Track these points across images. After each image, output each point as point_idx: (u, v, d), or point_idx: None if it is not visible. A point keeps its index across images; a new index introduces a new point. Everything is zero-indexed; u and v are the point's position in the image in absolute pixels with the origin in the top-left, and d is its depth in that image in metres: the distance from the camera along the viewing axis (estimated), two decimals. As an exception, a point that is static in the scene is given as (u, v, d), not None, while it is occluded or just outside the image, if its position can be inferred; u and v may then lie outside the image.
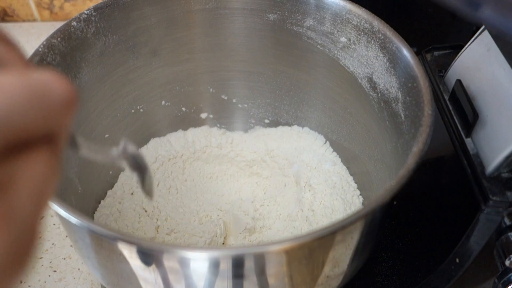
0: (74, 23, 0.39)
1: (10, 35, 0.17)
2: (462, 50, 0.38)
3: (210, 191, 0.47)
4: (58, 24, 0.40)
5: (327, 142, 0.50)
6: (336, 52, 0.43)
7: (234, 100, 0.52)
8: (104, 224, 0.43)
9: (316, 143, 0.50)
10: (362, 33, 0.40)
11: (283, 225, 0.44)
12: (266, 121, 0.53)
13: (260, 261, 0.28)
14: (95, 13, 0.40)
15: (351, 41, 0.42)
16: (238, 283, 0.29)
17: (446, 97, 0.39)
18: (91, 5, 0.44)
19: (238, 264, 0.27)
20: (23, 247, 0.15)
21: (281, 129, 0.52)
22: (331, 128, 0.49)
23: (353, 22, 0.41)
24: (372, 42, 0.40)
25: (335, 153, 0.50)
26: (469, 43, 0.38)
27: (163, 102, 0.50)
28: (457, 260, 0.36)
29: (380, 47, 0.39)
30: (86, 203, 0.43)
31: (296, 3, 0.43)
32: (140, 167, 0.25)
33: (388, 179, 0.39)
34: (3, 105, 0.13)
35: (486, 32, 0.36)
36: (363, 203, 0.45)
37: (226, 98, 0.52)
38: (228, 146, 0.51)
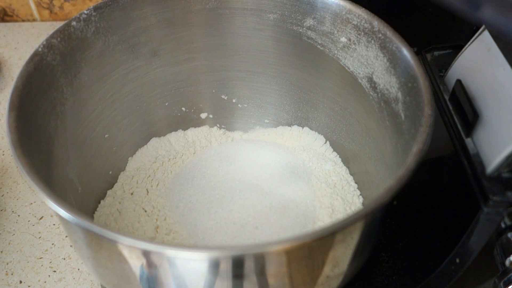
0: (74, 23, 0.39)
1: None
2: (462, 50, 0.38)
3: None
4: (58, 24, 0.40)
5: (327, 142, 0.50)
6: (336, 52, 0.43)
7: (234, 100, 0.52)
8: (104, 224, 0.43)
9: (316, 143, 0.50)
10: (362, 33, 0.40)
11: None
12: (266, 121, 0.53)
13: (260, 261, 0.28)
14: (95, 13, 0.40)
15: (351, 41, 0.42)
16: (238, 283, 0.29)
17: (446, 97, 0.39)
18: (91, 5, 0.44)
19: (238, 264, 0.27)
20: None
21: (281, 129, 0.52)
22: (331, 128, 0.49)
23: (353, 22, 0.41)
24: (372, 42, 0.40)
25: (335, 153, 0.50)
26: (469, 43, 0.38)
27: (163, 102, 0.50)
28: (457, 260, 0.36)
29: (380, 47, 0.39)
30: (86, 203, 0.43)
31: (296, 3, 0.43)
32: None
33: (388, 179, 0.39)
34: None
35: (486, 32, 0.36)
36: (363, 203, 0.45)
37: (226, 98, 0.52)
38: (228, 147, 0.51)
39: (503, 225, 0.33)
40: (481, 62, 0.36)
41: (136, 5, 0.43)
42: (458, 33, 0.49)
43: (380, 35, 0.39)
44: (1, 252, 0.47)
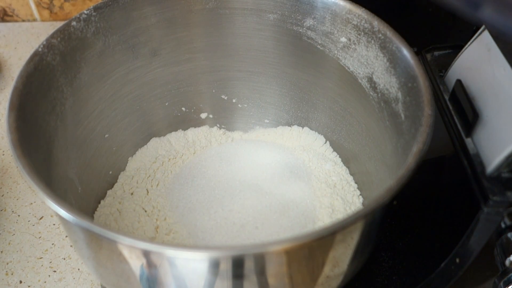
0: (74, 23, 0.39)
1: None
2: (462, 50, 0.38)
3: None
4: (58, 24, 0.40)
5: (327, 142, 0.50)
6: (336, 52, 0.43)
7: (234, 100, 0.52)
8: (104, 224, 0.43)
9: (316, 143, 0.50)
10: (362, 33, 0.40)
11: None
12: (266, 121, 0.53)
13: (260, 261, 0.28)
14: (95, 13, 0.40)
15: (351, 41, 0.42)
16: (238, 283, 0.29)
17: (446, 97, 0.39)
18: (91, 5, 0.44)
19: (238, 264, 0.27)
20: None
21: (281, 129, 0.52)
22: (331, 128, 0.49)
23: (353, 22, 0.41)
24: (372, 42, 0.40)
25: (335, 153, 0.50)
26: (469, 43, 0.38)
27: (163, 102, 0.50)
28: (457, 260, 0.36)
29: (380, 47, 0.39)
30: (86, 203, 0.43)
31: (296, 3, 0.43)
32: None
33: (388, 179, 0.39)
34: None
35: (486, 32, 0.36)
36: (363, 203, 0.45)
37: (226, 98, 0.52)
38: (228, 147, 0.51)
39: (503, 225, 0.33)
40: (481, 62, 0.36)
41: (136, 5, 0.43)
42: (458, 33, 0.49)
43: (380, 35, 0.39)
44: (1, 252, 0.47)
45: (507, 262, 0.32)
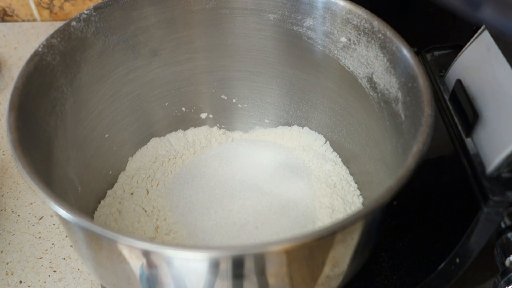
0: (74, 23, 0.39)
1: None
2: (462, 50, 0.38)
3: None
4: (58, 24, 0.40)
5: (327, 142, 0.50)
6: (336, 52, 0.43)
7: (234, 100, 0.52)
8: (104, 224, 0.43)
9: (316, 143, 0.50)
10: (362, 33, 0.40)
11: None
12: (266, 121, 0.53)
13: (260, 261, 0.28)
14: (95, 13, 0.40)
15: (351, 41, 0.42)
16: (238, 283, 0.29)
17: (446, 97, 0.39)
18: (91, 5, 0.44)
19: (238, 264, 0.27)
20: None
21: (281, 129, 0.52)
22: (331, 128, 0.49)
23: (353, 22, 0.41)
24: (372, 42, 0.40)
25: (335, 153, 0.50)
26: (469, 43, 0.38)
27: (163, 102, 0.50)
28: (457, 260, 0.36)
29: (380, 47, 0.39)
30: (86, 203, 0.43)
31: (296, 3, 0.43)
32: None
33: (388, 179, 0.39)
34: None
35: (486, 32, 0.36)
36: (363, 203, 0.45)
37: (226, 98, 0.52)
38: (228, 147, 0.51)
39: (503, 225, 0.33)
40: (481, 62, 0.36)
41: (136, 5, 0.43)
42: (458, 33, 0.49)
43: (380, 35, 0.39)
44: (1, 252, 0.47)
45: (507, 262, 0.32)
